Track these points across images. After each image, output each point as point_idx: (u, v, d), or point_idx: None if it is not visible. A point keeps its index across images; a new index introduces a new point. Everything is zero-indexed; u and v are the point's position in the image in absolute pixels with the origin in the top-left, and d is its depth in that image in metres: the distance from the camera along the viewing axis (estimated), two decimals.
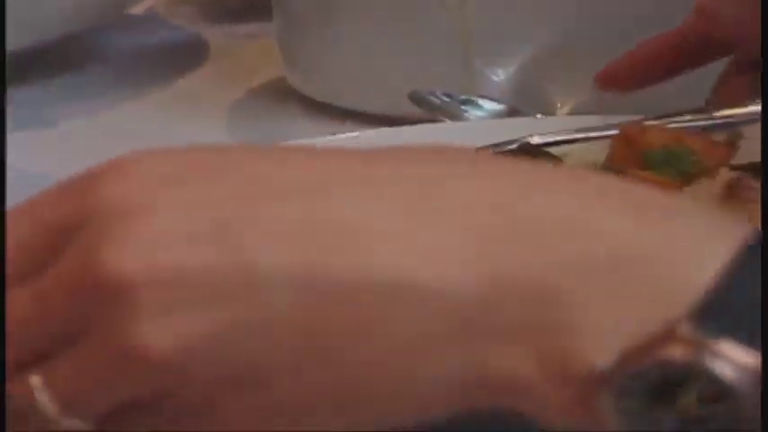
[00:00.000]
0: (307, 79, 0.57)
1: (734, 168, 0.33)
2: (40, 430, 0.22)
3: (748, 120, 0.37)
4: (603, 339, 0.19)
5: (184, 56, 0.70)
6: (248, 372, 0.21)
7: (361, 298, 0.20)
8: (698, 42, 0.51)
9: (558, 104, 0.41)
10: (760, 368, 0.18)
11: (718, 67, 0.45)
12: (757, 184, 0.29)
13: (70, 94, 0.61)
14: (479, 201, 0.21)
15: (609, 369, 0.19)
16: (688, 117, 0.37)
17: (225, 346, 0.20)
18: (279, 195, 0.21)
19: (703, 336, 0.18)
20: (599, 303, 0.19)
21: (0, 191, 0.62)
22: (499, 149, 0.32)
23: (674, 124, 0.35)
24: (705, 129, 0.35)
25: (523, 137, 0.33)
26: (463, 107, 0.41)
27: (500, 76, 0.43)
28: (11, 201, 0.26)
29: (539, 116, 0.40)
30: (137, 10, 0.73)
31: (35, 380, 0.21)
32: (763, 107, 0.41)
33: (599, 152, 0.34)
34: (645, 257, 0.20)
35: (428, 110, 0.42)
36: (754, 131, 0.35)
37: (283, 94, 0.59)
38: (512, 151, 0.32)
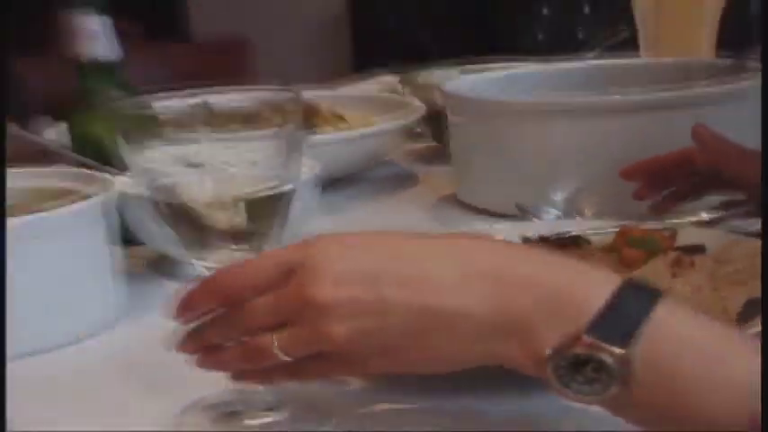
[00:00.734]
0: (471, 193, 0.99)
1: (675, 249, 0.64)
2: (269, 361, 0.46)
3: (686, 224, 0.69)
4: (548, 341, 0.40)
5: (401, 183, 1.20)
6: (382, 346, 0.45)
7: (439, 317, 0.43)
8: (694, 166, 0.75)
9: (586, 211, 0.75)
10: (626, 355, 0.37)
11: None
12: (689, 258, 0.61)
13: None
14: (490, 266, 0.44)
15: (550, 355, 0.40)
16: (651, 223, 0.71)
17: (372, 335, 0.44)
18: (400, 259, 0.45)
19: (594, 339, 0.39)
20: (546, 323, 0.41)
21: (0, 191, 0.69)
22: (557, 236, 0.66)
23: (644, 226, 0.67)
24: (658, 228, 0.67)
25: (570, 231, 0.67)
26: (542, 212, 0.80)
27: (559, 198, 0.79)
28: None
29: (577, 218, 0.76)
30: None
31: (272, 337, 0.45)
32: (763, 108, 0.70)
33: (609, 238, 0.67)
34: (566, 298, 0.41)
35: (523, 213, 0.80)
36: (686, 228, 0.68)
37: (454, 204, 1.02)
38: (562, 239, 0.66)
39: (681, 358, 0.40)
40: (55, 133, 1.11)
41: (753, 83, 0.83)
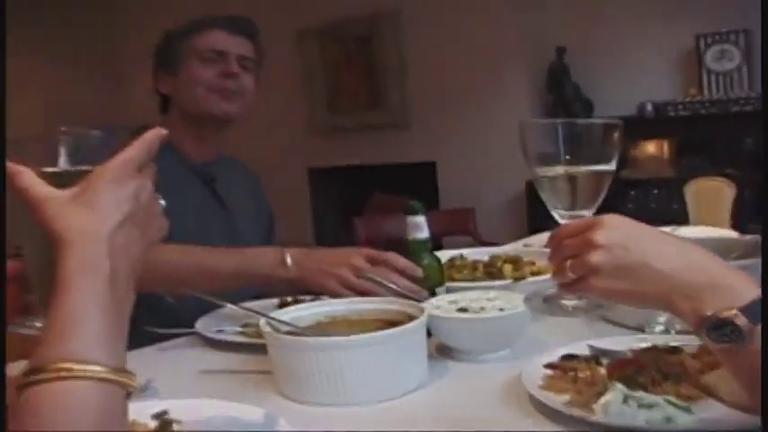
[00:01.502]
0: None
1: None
2: (569, 276, 0.90)
3: None
4: (710, 308, 0.78)
5: None
6: (619, 281, 0.85)
7: (659, 274, 0.83)
8: None
9: (677, 327, 1.21)
10: (754, 329, 0.75)
11: None
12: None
13: None
14: (699, 259, 0.84)
15: (708, 316, 0.78)
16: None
17: (616, 274, 0.85)
18: (647, 237, 0.87)
19: (742, 314, 0.76)
20: (713, 298, 0.78)
21: (0, 193, 0.77)
22: (663, 344, 1.12)
23: None
24: None
25: (670, 341, 1.13)
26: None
27: (662, 319, 1.24)
28: None
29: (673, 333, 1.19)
30: None
31: (566, 263, 0.90)
32: (763, 111, 1.10)
33: (695, 348, 1.11)
34: (733, 288, 0.79)
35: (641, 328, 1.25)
36: None
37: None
38: (666, 347, 1.11)
39: None
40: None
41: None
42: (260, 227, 2.10)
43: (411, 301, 1.19)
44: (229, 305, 1.33)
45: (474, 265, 1.66)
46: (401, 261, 1.39)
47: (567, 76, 4.85)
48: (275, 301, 1.64)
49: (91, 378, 0.65)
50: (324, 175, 6.24)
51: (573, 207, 1.03)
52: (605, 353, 1.11)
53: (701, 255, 0.85)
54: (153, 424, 0.94)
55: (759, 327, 0.76)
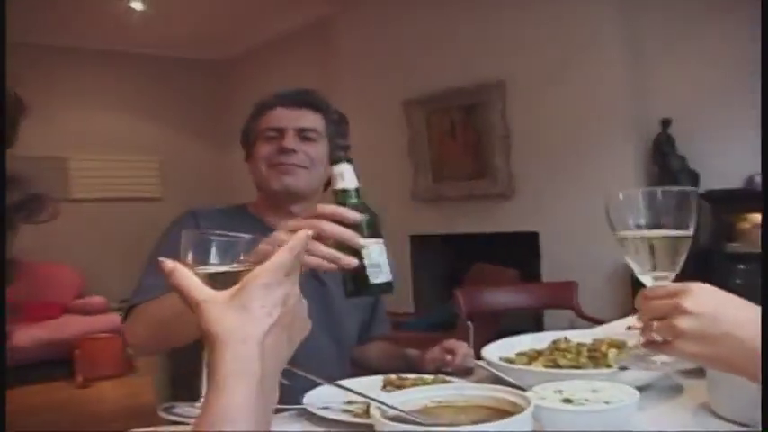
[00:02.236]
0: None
1: None
2: (653, 335, 1.00)
3: None
4: None
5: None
6: (699, 346, 0.94)
7: (731, 343, 0.91)
8: None
9: None
10: None
11: None
12: None
13: None
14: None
15: None
16: None
17: (696, 339, 0.94)
18: (728, 310, 0.94)
19: None
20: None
21: (0, 197, 0.77)
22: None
23: None
24: None
25: None
26: None
27: None
28: None
29: None
30: None
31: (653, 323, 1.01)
32: (762, 113, 1.07)
33: None
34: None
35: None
36: None
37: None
38: None
39: None
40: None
41: None
42: None
43: (518, 391, 1.20)
44: (332, 384, 1.37)
45: (578, 348, 1.66)
46: (327, 208, 1.32)
47: (672, 147, 4.79)
48: (380, 378, 1.68)
49: None
50: (426, 242, 6.29)
51: (654, 269, 1.10)
52: None
53: None
54: None
55: None
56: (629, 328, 1.98)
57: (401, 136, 6.23)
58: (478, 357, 1.72)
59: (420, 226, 6.23)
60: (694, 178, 4.76)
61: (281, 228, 1.36)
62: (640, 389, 1.26)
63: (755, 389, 0.93)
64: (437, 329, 4.14)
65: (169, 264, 0.88)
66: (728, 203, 4.52)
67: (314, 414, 1.46)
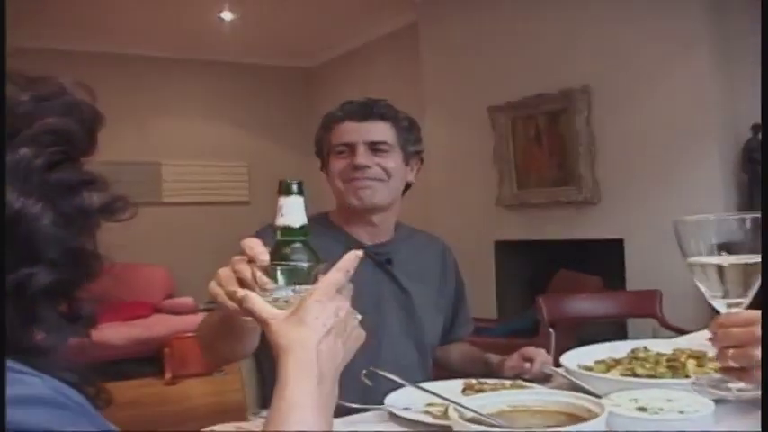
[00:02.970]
0: None
1: None
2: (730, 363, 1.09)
3: None
4: None
5: None
6: None
7: None
8: None
9: None
10: None
11: None
12: None
13: None
14: None
15: None
16: None
17: None
18: None
19: None
20: None
21: (0, 197, 0.74)
22: None
23: None
24: None
25: None
26: None
27: None
28: None
29: None
30: None
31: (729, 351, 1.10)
32: (762, 115, 1.10)
33: None
34: None
35: None
36: None
37: None
38: None
39: None
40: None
41: None
42: (444, 299, 2.15)
43: (592, 398, 1.22)
44: (414, 386, 1.43)
45: (657, 358, 1.67)
46: (247, 244, 1.16)
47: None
48: (461, 382, 1.73)
49: None
50: (510, 248, 6.28)
51: (726, 296, 1.10)
52: None
53: None
54: None
55: None
56: (710, 339, 1.98)
57: (486, 142, 6.24)
58: (558, 364, 1.74)
59: (505, 232, 6.23)
60: None
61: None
62: (717, 401, 1.27)
63: None
64: (519, 335, 4.15)
65: (240, 292, 1.07)
66: None
67: (396, 415, 1.52)
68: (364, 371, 1.50)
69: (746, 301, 1.11)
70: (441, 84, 6.82)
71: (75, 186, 0.81)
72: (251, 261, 1.14)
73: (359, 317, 1.07)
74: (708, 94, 4.83)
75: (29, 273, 0.75)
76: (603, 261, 5.29)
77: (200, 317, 6.43)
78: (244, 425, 1.47)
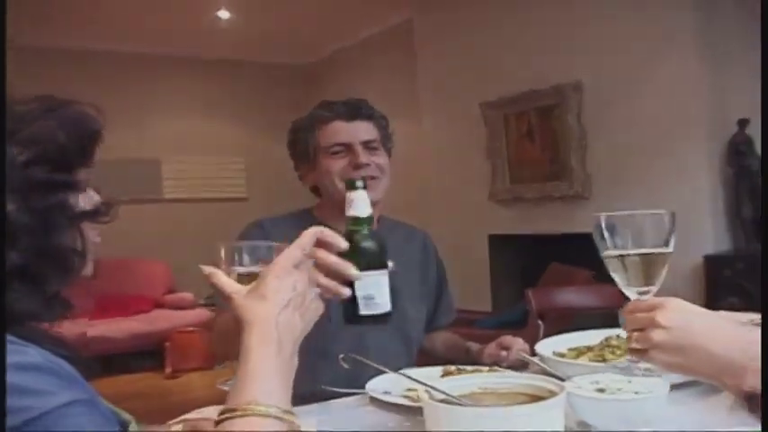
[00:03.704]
0: None
1: None
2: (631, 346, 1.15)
3: None
4: (750, 384, 0.98)
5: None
6: (671, 356, 1.07)
7: (708, 357, 1.03)
8: None
9: None
10: None
11: None
12: None
13: None
14: (742, 345, 1.03)
15: (747, 390, 0.98)
16: None
17: (669, 350, 1.07)
18: (703, 322, 1.08)
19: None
20: (749, 377, 0.98)
21: (0, 197, 0.87)
22: None
23: None
24: None
25: None
26: None
27: None
28: None
29: None
30: None
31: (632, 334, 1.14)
32: (762, 109, 1.16)
33: None
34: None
35: None
36: None
37: None
38: None
39: None
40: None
41: None
42: (426, 287, 2.21)
43: (554, 380, 1.31)
44: (394, 372, 1.52)
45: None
46: (323, 233, 1.23)
47: (750, 148, 4.75)
48: (440, 369, 1.81)
49: (268, 415, 0.92)
50: (504, 242, 6.36)
51: (636, 284, 1.20)
52: None
53: (746, 339, 1.02)
54: None
55: None
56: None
57: (479, 138, 6.32)
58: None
59: (498, 226, 6.31)
60: None
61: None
62: (681, 384, 1.36)
63: None
64: (509, 327, 4.23)
65: (206, 268, 1.15)
66: None
67: (376, 399, 1.61)
68: (341, 355, 1.58)
69: (654, 289, 1.22)
70: (435, 80, 6.90)
71: (53, 188, 0.94)
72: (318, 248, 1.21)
73: (317, 290, 1.15)
74: (695, 90, 4.91)
75: (3, 252, 0.88)
76: (595, 254, 5.36)
77: (199, 311, 6.51)
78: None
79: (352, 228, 1.34)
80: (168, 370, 6.57)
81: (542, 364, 1.70)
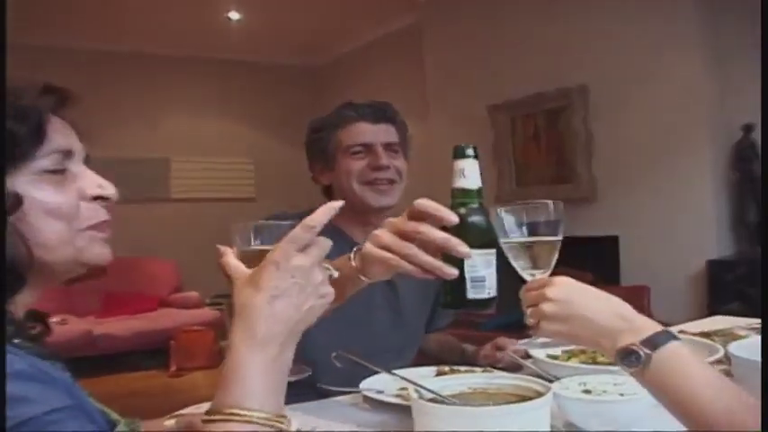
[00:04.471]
0: None
1: None
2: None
3: None
4: (622, 342, 1.08)
5: None
6: (560, 324, 1.17)
7: (589, 323, 1.14)
8: None
9: None
10: (650, 354, 1.04)
11: None
12: None
13: None
14: (618, 311, 1.14)
15: (620, 348, 1.08)
16: None
17: (557, 320, 1.16)
18: (580, 295, 1.18)
19: (642, 345, 1.05)
20: (624, 336, 1.09)
21: (0, 192, 0.88)
22: None
23: None
24: None
25: None
26: None
27: None
28: None
29: None
30: None
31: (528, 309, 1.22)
32: (762, 109, 1.33)
33: None
34: (637, 328, 1.09)
35: None
36: None
37: None
38: None
39: (674, 363, 1.01)
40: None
41: None
42: (430, 288, 2.17)
43: (542, 381, 1.33)
44: (387, 372, 1.54)
45: None
46: (430, 205, 1.19)
47: (754, 153, 4.76)
48: (434, 369, 1.83)
49: (249, 421, 0.88)
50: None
51: (530, 268, 1.28)
52: None
53: (622, 307, 1.15)
54: None
55: (656, 354, 1.03)
56: (680, 332, 2.08)
57: (486, 140, 6.33)
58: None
59: None
60: None
61: (386, 225, 1.25)
62: None
63: None
64: (511, 329, 4.24)
65: (221, 247, 1.07)
66: None
67: (370, 398, 1.63)
68: (334, 353, 1.60)
69: (547, 271, 1.29)
70: (442, 82, 6.92)
71: None
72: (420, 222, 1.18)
73: (335, 274, 1.03)
74: (701, 95, 4.92)
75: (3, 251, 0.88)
76: (600, 257, 5.39)
77: (205, 311, 6.52)
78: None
79: (460, 201, 1.22)
80: (173, 368, 6.60)
81: (533, 366, 1.71)
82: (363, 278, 1.27)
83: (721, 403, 0.99)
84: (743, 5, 4.76)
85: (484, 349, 2.00)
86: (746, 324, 2.28)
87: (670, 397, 1.04)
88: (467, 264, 1.20)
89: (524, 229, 1.26)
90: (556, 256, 1.30)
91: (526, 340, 1.35)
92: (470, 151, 1.23)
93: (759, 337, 1.58)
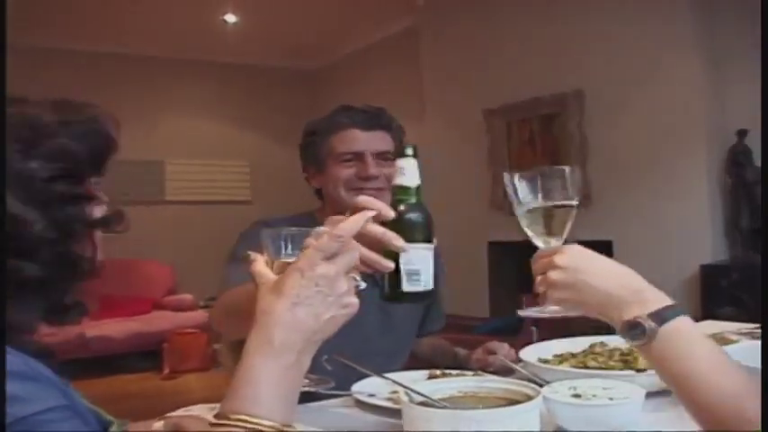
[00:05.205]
0: None
1: None
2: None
3: None
4: (629, 315, 1.07)
5: None
6: (569, 293, 1.15)
7: (598, 293, 1.12)
8: None
9: None
10: (656, 328, 1.03)
11: None
12: None
13: None
14: (630, 282, 1.13)
15: (627, 320, 1.07)
16: None
17: (566, 287, 1.15)
18: (590, 263, 1.16)
19: (650, 318, 1.05)
20: (632, 308, 1.07)
21: (0, 192, 0.88)
22: None
23: None
24: None
25: None
26: None
27: None
28: None
29: None
30: None
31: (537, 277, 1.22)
32: (762, 107, 1.24)
33: None
34: (646, 301, 1.08)
35: None
36: None
37: None
38: None
39: (680, 340, 1.01)
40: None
41: None
42: None
43: (532, 385, 1.33)
44: (378, 375, 1.54)
45: (611, 353, 1.77)
46: (368, 201, 1.22)
47: (748, 159, 4.77)
48: (426, 373, 1.83)
49: (255, 429, 0.87)
50: (503, 249, 6.38)
51: (544, 235, 1.30)
52: None
53: (631, 277, 1.12)
54: None
55: (663, 328, 1.02)
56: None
57: (481, 144, 6.35)
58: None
59: (498, 233, 6.32)
60: None
61: (329, 222, 1.26)
62: (658, 393, 1.38)
63: None
64: (505, 333, 4.25)
65: (253, 254, 1.08)
66: None
67: (361, 401, 1.63)
68: (325, 356, 1.59)
69: (561, 239, 1.30)
70: (438, 86, 6.93)
71: (72, 200, 0.96)
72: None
73: (362, 285, 1.05)
74: (695, 100, 4.94)
75: (16, 265, 0.89)
76: None
77: (199, 313, 6.48)
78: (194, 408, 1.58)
79: (399, 197, 1.27)
80: (166, 371, 6.58)
81: (524, 370, 1.71)
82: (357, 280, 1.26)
83: (729, 388, 0.99)
84: (740, 8, 4.79)
85: (476, 353, 2.00)
86: (737, 329, 2.27)
87: (674, 374, 1.03)
88: (403, 257, 1.22)
89: (540, 195, 1.29)
90: (570, 223, 1.30)
91: (536, 308, 1.34)
92: (410, 151, 1.28)
93: (750, 342, 1.59)
